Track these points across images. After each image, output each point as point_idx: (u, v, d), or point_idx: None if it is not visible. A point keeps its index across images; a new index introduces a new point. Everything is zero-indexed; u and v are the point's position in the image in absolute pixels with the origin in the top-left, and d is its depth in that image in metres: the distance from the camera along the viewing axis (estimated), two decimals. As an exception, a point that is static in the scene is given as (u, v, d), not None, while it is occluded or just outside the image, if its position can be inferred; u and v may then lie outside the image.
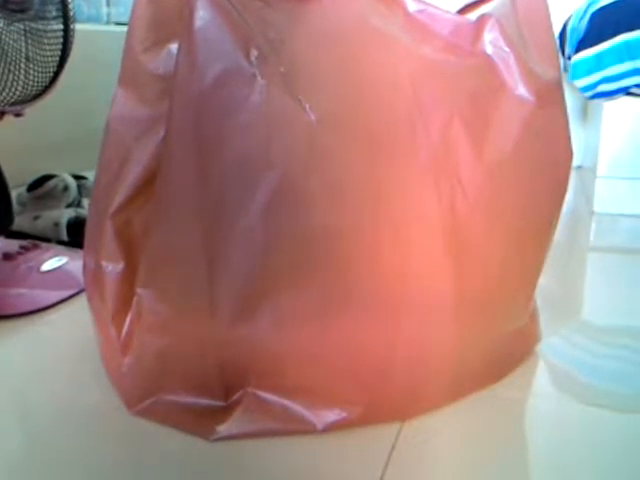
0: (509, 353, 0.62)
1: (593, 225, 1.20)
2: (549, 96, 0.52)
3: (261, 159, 0.47)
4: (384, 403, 0.53)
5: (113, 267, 0.55)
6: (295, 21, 0.48)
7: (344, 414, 0.52)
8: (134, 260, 0.55)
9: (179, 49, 0.48)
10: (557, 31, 1.48)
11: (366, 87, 0.47)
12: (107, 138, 0.57)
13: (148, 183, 0.54)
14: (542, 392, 0.60)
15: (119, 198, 0.55)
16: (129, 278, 0.55)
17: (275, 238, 0.48)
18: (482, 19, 0.52)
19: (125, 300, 0.55)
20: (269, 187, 0.47)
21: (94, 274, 0.57)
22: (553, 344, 0.68)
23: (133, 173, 0.54)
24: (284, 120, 0.47)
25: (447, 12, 0.53)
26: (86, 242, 0.59)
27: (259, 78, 0.47)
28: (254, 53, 0.47)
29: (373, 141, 0.47)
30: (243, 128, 0.47)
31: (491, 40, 0.50)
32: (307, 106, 0.46)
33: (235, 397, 0.53)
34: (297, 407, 0.52)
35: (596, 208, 1.26)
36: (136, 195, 0.54)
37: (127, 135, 0.55)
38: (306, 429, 0.51)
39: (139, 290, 0.53)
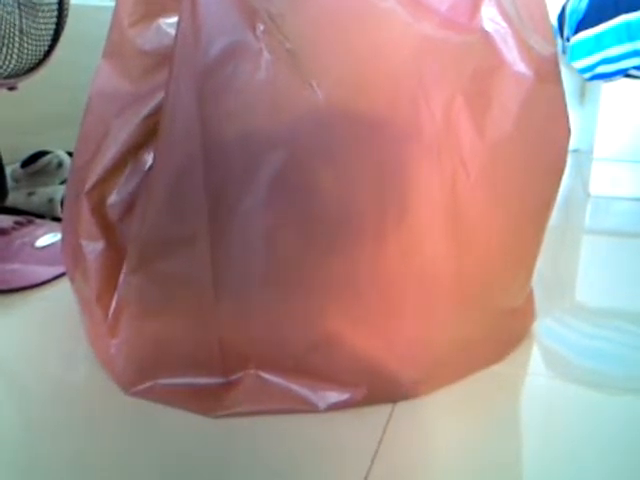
0: (507, 332, 0.62)
1: (589, 208, 1.20)
2: (547, 72, 0.52)
3: (266, 138, 0.46)
4: (387, 384, 0.53)
5: (93, 246, 0.54)
6: None
7: (347, 395, 0.52)
8: (114, 239, 0.54)
9: (179, 23, 0.46)
10: (556, 13, 1.47)
11: (370, 65, 0.46)
12: (87, 114, 0.55)
13: (124, 161, 0.53)
14: (536, 372, 0.60)
15: (94, 176, 0.53)
16: (111, 257, 0.54)
17: (279, 220, 0.47)
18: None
19: (109, 280, 0.54)
20: (273, 168, 0.46)
21: (74, 253, 0.56)
22: (546, 325, 0.69)
23: (110, 151, 0.53)
24: (290, 97, 0.45)
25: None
26: (64, 220, 0.58)
27: (265, 53, 0.45)
28: (260, 27, 0.45)
29: (377, 120, 0.47)
30: (248, 105, 0.46)
31: (489, 16, 0.49)
32: (314, 83, 0.45)
33: (236, 376, 0.53)
34: (300, 388, 0.52)
35: (592, 191, 1.26)
36: (112, 173, 0.53)
37: (107, 111, 0.53)
38: (308, 409, 0.52)
39: (129, 277, 0.51)
